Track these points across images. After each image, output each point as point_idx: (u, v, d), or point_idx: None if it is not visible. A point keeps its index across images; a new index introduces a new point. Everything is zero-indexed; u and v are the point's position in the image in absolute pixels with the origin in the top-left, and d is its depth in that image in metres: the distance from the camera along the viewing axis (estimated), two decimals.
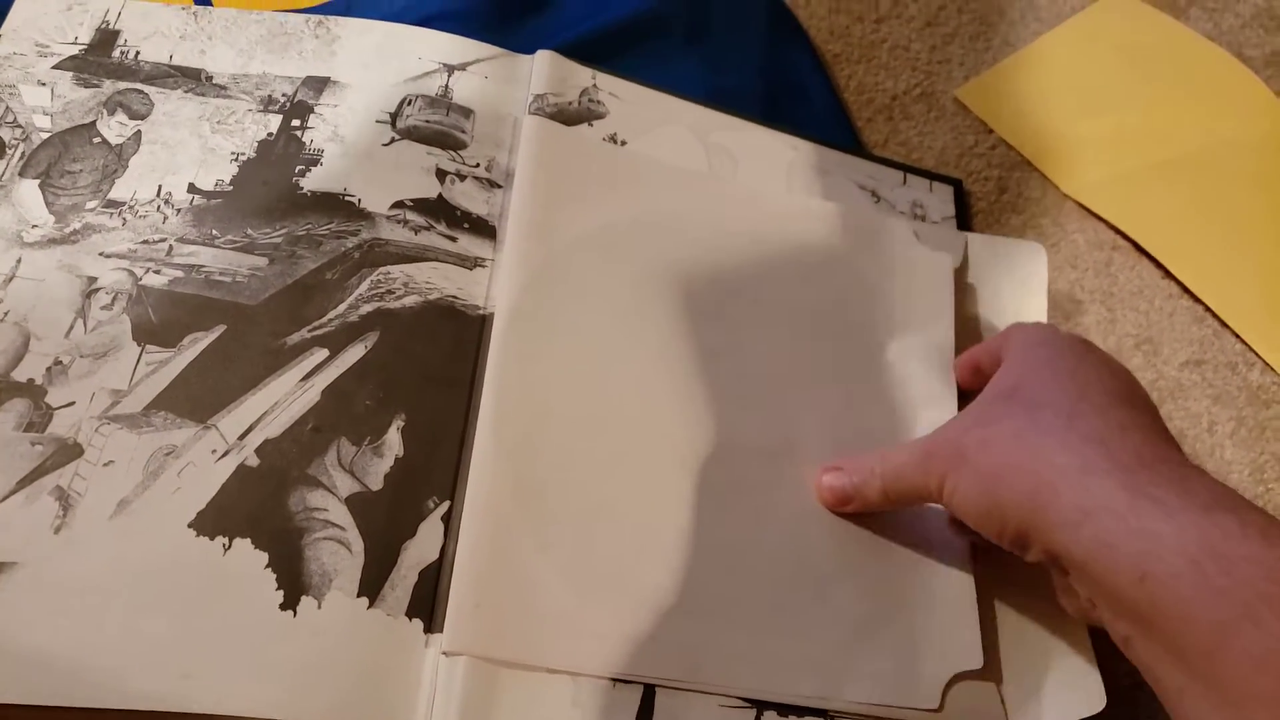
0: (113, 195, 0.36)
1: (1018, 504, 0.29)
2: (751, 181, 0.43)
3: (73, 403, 0.32)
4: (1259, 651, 0.23)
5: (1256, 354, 0.47)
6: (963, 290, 0.43)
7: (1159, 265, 0.49)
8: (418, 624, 0.31)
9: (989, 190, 0.50)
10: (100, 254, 0.35)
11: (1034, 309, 0.43)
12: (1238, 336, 0.47)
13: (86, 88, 0.39)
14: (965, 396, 0.39)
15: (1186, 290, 0.48)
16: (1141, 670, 0.27)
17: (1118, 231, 0.49)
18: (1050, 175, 0.51)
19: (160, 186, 0.37)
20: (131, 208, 0.36)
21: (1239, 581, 0.24)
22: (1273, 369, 0.46)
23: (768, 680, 0.32)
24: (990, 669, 0.34)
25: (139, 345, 0.33)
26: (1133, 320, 0.47)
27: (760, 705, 0.32)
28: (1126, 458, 0.28)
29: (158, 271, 0.35)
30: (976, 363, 0.38)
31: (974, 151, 0.51)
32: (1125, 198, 0.50)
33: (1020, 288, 0.44)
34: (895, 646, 0.34)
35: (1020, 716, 0.34)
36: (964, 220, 0.47)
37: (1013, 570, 0.34)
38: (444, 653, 0.30)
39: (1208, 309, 0.48)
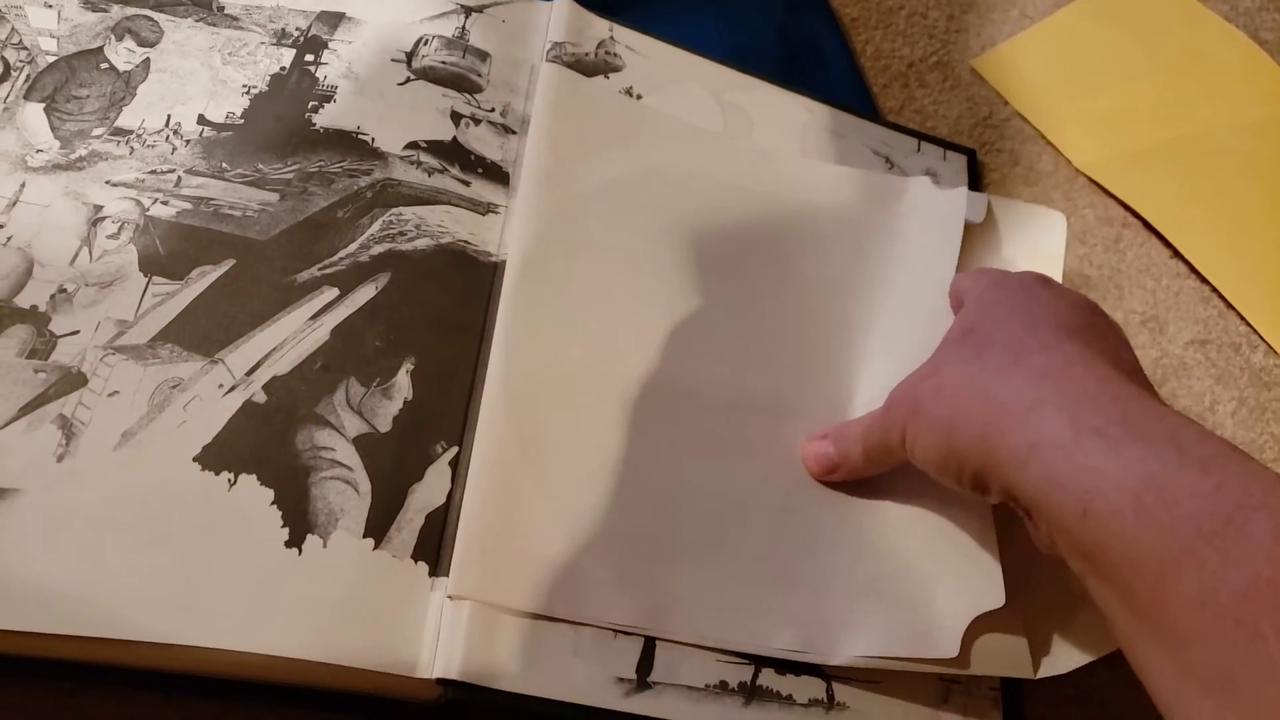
0: (120, 123, 0.36)
1: (970, 447, 0.28)
2: (766, 142, 0.43)
3: (77, 331, 0.32)
4: (1197, 588, 0.23)
5: (1260, 336, 0.47)
6: (982, 249, 0.42)
7: (1168, 244, 0.49)
8: (423, 567, 0.31)
9: (1002, 162, 0.50)
10: (107, 182, 0.34)
11: (1050, 275, 0.43)
12: (1242, 318, 0.47)
13: (94, 12, 0.38)
14: None
15: (1194, 270, 0.48)
16: (1098, 607, 0.27)
17: (1128, 209, 0.49)
18: (1063, 150, 0.51)
19: (169, 116, 0.36)
20: (139, 136, 0.35)
21: (1179, 517, 0.23)
22: (1275, 351, 0.47)
23: (766, 635, 0.32)
24: (1009, 614, 0.33)
25: (146, 276, 0.33)
26: (1139, 298, 0.47)
27: (759, 661, 0.33)
28: (1073, 392, 0.27)
29: (165, 203, 0.34)
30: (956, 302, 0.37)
31: (988, 123, 0.51)
32: (1137, 175, 0.50)
33: (1038, 255, 0.43)
34: (908, 595, 0.33)
35: (1041, 661, 0.33)
36: (976, 190, 0.47)
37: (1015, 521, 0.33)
38: (449, 596, 0.30)
39: (1214, 289, 0.48)
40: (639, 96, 0.41)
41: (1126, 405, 0.27)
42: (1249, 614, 0.22)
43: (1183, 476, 0.24)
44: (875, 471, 0.35)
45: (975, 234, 0.42)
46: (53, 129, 0.35)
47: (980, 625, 0.32)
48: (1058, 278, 0.43)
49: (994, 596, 0.33)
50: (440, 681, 0.29)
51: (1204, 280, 0.48)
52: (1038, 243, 0.43)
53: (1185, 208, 0.50)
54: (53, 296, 0.32)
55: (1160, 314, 0.47)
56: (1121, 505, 0.24)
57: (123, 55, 0.37)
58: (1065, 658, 0.34)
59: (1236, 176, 0.52)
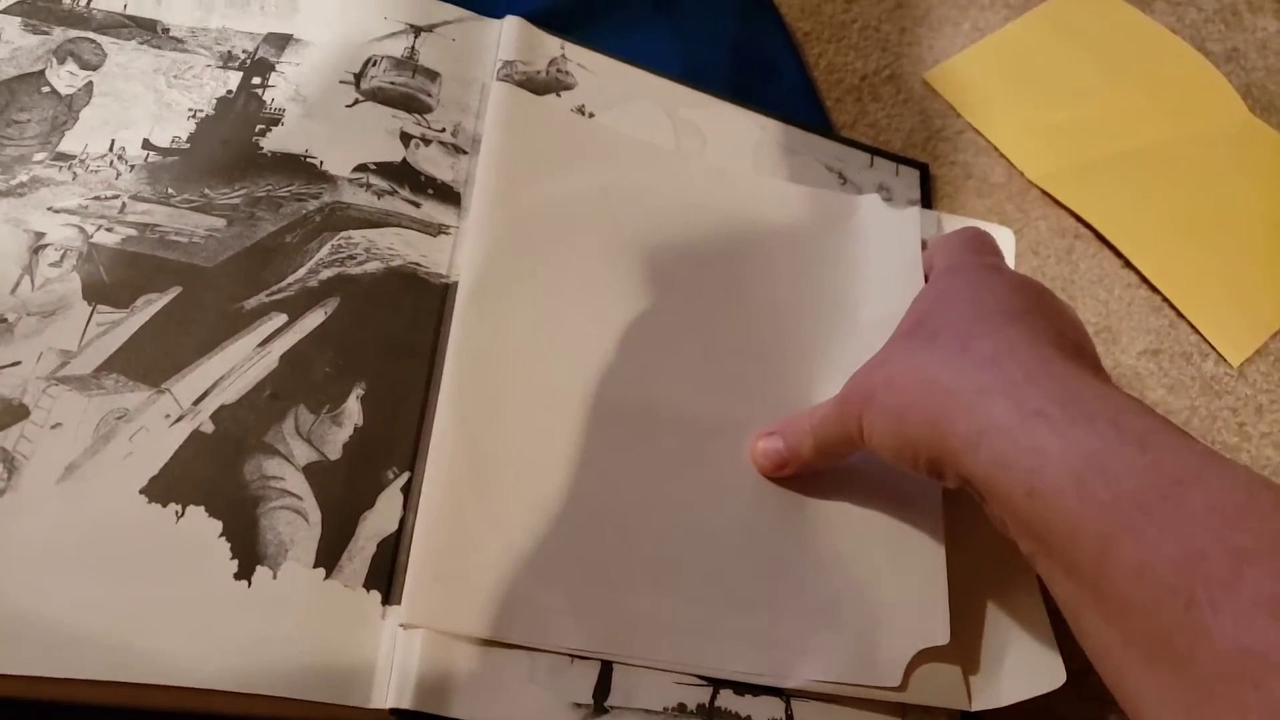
0: (62, 148, 0.35)
1: (923, 436, 0.29)
2: (719, 159, 0.43)
3: (18, 362, 0.31)
4: (1136, 560, 0.23)
5: (1210, 345, 0.48)
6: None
7: (1119, 254, 0.49)
8: (375, 595, 0.30)
9: (955, 175, 0.50)
10: (49, 209, 0.34)
11: None
12: (1193, 327, 0.48)
13: (35, 34, 0.37)
14: None
15: (1145, 280, 0.49)
16: (1047, 587, 0.28)
17: (1080, 220, 0.50)
18: (1016, 162, 0.51)
19: (113, 141, 0.36)
20: (82, 161, 0.35)
21: (1119, 494, 0.24)
22: (1226, 360, 0.47)
23: (722, 658, 0.32)
24: (952, 646, 0.34)
25: (90, 305, 0.32)
26: (1092, 308, 0.48)
27: (716, 683, 0.32)
28: (1017, 375, 0.28)
29: (110, 229, 0.34)
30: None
31: (941, 135, 0.51)
32: (1088, 187, 0.51)
33: None
34: (856, 623, 0.34)
35: (982, 693, 0.34)
36: (929, 204, 0.48)
37: (971, 545, 0.34)
38: (401, 625, 0.30)
39: (1165, 299, 0.49)
40: (591, 114, 0.41)
41: (1068, 384, 0.27)
42: (1184, 583, 0.22)
43: (1122, 453, 0.25)
44: (826, 464, 0.35)
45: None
46: None
47: (922, 656, 0.34)
48: None
49: (940, 634, 0.34)
50: (394, 712, 0.29)
51: (1155, 290, 0.49)
52: None
53: (1136, 218, 0.51)
54: None
55: (1113, 324, 0.48)
56: (1064, 484, 0.25)
57: (64, 79, 0.37)
58: (1006, 691, 0.35)
59: (1185, 187, 0.52)
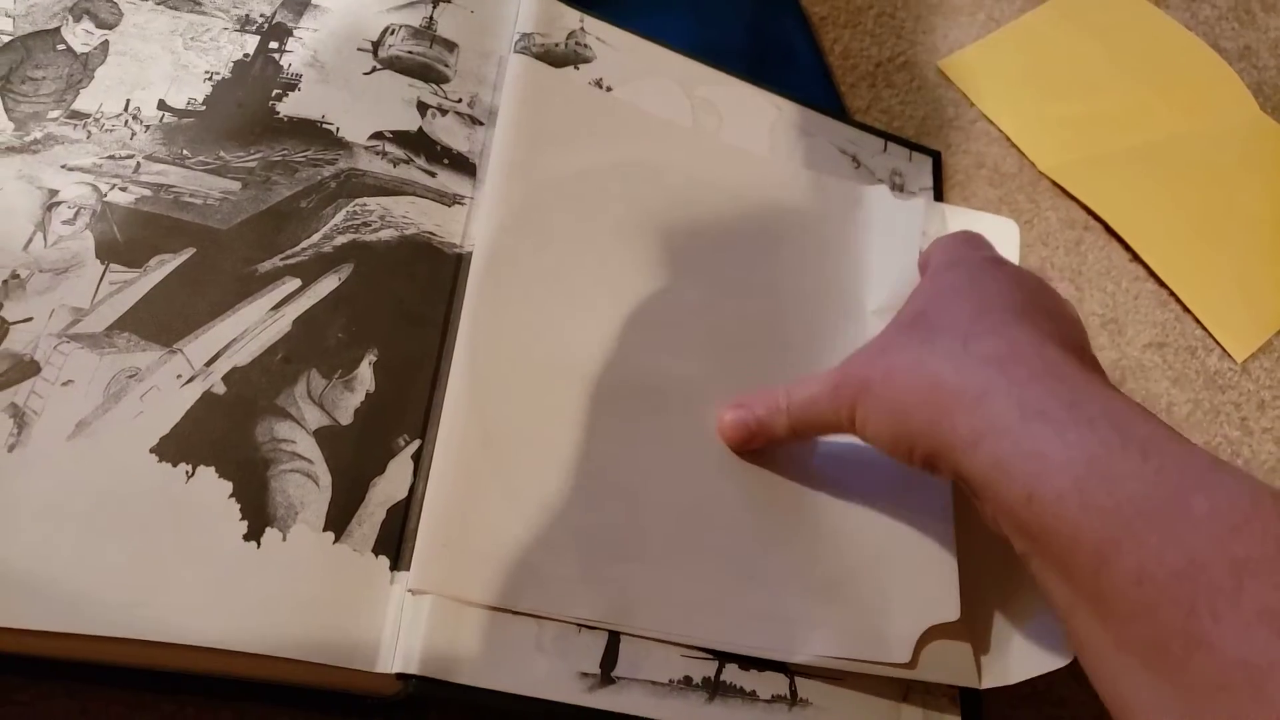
0: (77, 106, 0.35)
1: (921, 432, 0.29)
2: (734, 138, 0.43)
3: (30, 318, 0.31)
4: (1137, 567, 0.23)
5: (1215, 340, 0.48)
6: None
7: (1127, 248, 0.49)
8: (384, 561, 0.30)
9: (967, 164, 0.50)
10: (63, 166, 0.33)
11: None
12: (1198, 322, 0.48)
13: None
14: None
15: (1152, 273, 0.49)
16: (1039, 586, 0.28)
17: (1089, 212, 0.50)
18: (1027, 153, 0.51)
19: (128, 101, 0.35)
20: (97, 120, 0.35)
21: (1120, 500, 0.24)
22: (1229, 355, 0.48)
23: (729, 632, 0.33)
24: (960, 624, 0.34)
25: (102, 263, 0.32)
26: (1099, 300, 0.48)
27: (722, 657, 0.33)
28: (1019, 376, 0.27)
29: (124, 189, 0.34)
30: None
31: (954, 124, 0.51)
32: (1098, 179, 0.51)
33: None
34: (867, 599, 0.34)
35: (990, 671, 0.34)
36: (940, 192, 0.48)
37: (975, 525, 0.34)
38: (410, 590, 0.30)
39: (1171, 293, 0.49)
40: (608, 89, 0.41)
41: (1072, 388, 0.27)
42: (1185, 592, 0.22)
43: (1125, 460, 0.25)
44: (794, 442, 0.35)
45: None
46: (6, 111, 0.34)
47: (932, 633, 0.34)
48: None
49: (949, 609, 0.34)
50: (400, 676, 0.29)
51: (1162, 284, 0.49)
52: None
53: (1145, 212, 0.51)
54: (5, 282, 0.31)
55: (1119, 316, 0.48)
56: (1064, 489, 0.25)
57: (80, 37, 0.36)
58: (1013, 669, 0.35)
59: (1195, 183, 0.53)
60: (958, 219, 0.45)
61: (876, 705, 0.34)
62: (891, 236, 0.42)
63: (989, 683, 0.34)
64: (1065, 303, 0.32)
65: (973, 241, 0.36)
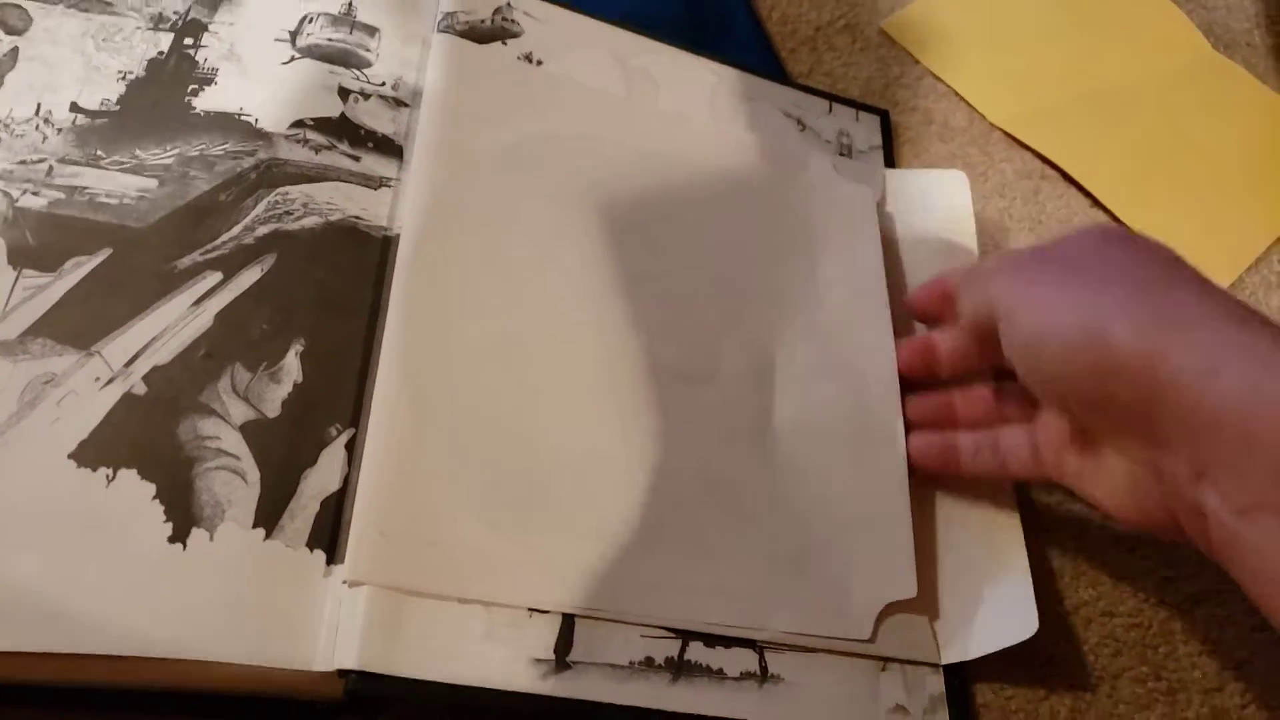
0: None
1: (1133, 347, 0.25)
2: (673, 107, 0.42)
3: None
4: None
5: None
6: (885, 223, 0.42)
7: (1087, 194, 0.48)
8: (319, 555, 0.29)
9: (916, 120, 0.49)
10: None
11: (962, 235, 0.43)
12: None
13: None
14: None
15: (1115, 218, 0.48)
16: (1246, 555, 0.24)
17: (1045, 161, 0.49)
18: (977, 106, 0.50)
19: (39, 105, 0.34)
20: (7, 126, 0.34)
21: None
22: None
23: (690, 609, 0.31)
24: (923, 597, 0.34)
25: (15, 269, 0.31)
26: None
27: (686, 635, 0.31)
28: (1239, 310, 0.25)
29: (36, 193, 0.33)
30: (948, 291, 0.34)
31: (900, 82, 0.50)
32: (1052, 128, 0.50)
33: (946, 216, 0.43)
34: (826, 575, 0.33)
35: (951, 645, 0.34)
36: (890, 150, 0.47)
37: (944, 495, 0.33)
38: (345, 582, 0.28)
39: None
40: (539, 63, 0.40)
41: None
42: None
43: None
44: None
45: (880, 212, 0.42)
46: None
47: (892, 609, 0.33)
48: (970, 236, 0.43)
49: (907, 587, 0.33)
50: (341, 673, 0.27)
51: (1126, 228, 0.48)
52: (946, 205, 0.43)
53: (1103, 158, 0.50)
54: None
55: None
56: None
57: None
58: (974, 644, 0.34)
59: (1153, 125, 0.52)
60: (903, 181, 0.44)
61: (854, 676, 0.33)
62: (841, 217, 0.41)
63: (949, 658, 0.34)
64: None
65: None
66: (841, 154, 0.44)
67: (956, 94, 0.50)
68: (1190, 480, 0.26)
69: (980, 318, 0.31)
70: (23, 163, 0.33)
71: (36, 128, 0.34)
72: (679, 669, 0.31)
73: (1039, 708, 0.36)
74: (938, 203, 0.43)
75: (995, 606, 0.34)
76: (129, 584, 0.27)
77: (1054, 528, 0.39)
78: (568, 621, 0.30)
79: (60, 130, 0.34)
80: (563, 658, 0.30)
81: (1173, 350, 0.25)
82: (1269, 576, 0.24)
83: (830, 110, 0.46)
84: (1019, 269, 0.30)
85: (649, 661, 0.31)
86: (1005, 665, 0.36)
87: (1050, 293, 0.28)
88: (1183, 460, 0.26)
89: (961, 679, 0.35)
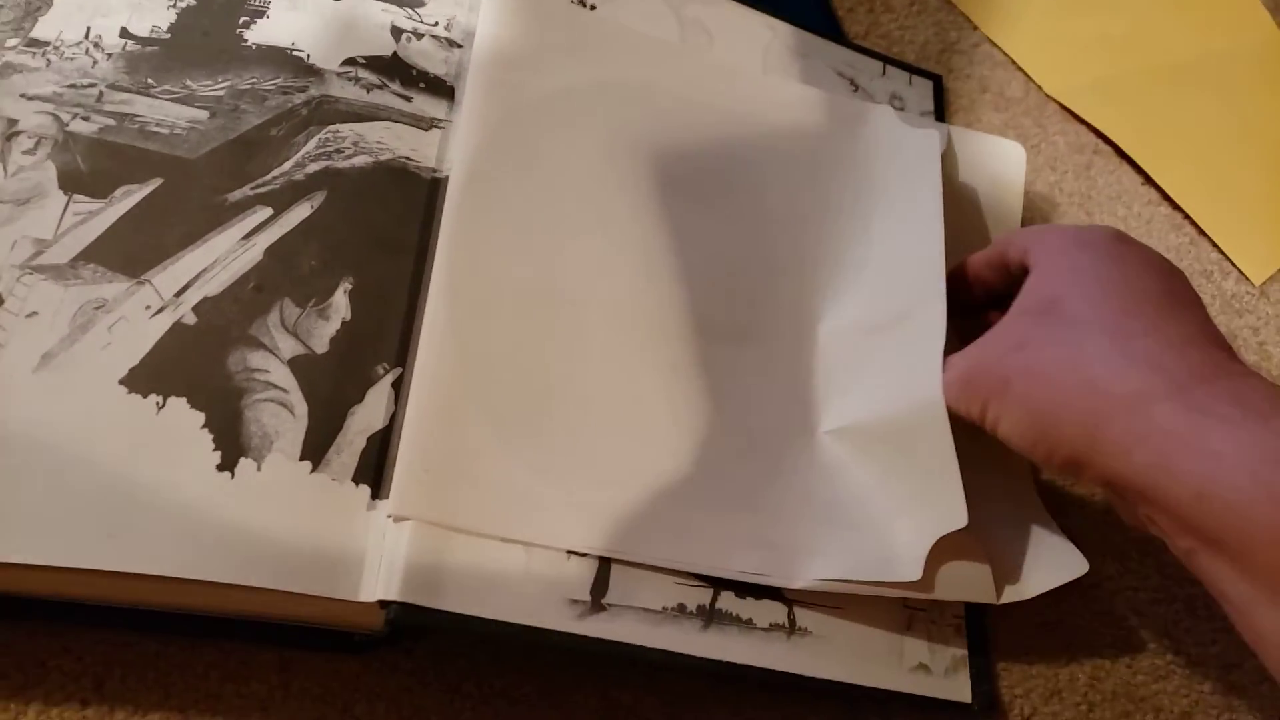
0: (35, 33, 0.33)
1: (1070, 436, 0.28)
2: (726, 59, 0.41)
3: None
4: None
5: (1232, 262, 0.46)
6: (943, 181, 0.41)
7: (1139, 171, 0.48)
8: (364, 490, 0.29)
9: (970, 88, 0.48)
10: (21, 95, 0.32)
11: (1009, 207, 0.42)
12: (1214, 244, 0.46)
13: None
14: (962, 312, 0.37)
15: (1166, 197, 0.47)
16: (1204, 582, 0.27)
17: (1100, 135, 0.48)
18: (1034, 75, 0.49)
19: (89, 28, 0.34)
20: (56, 49, 0.33)
21: None
22: (1247, 278, 0.46)
23: (725, 558, 0.31)
24: (972, 538, 0.32)
25: (65, 194, 0.31)
26: (1111, 224, 0.46)
27: (717, 584, 0.32)
28: (1182, 376, 0.27)
29: (86, 118, 0.32)
30: (1003, 259, 0.35)
31: (956, 48, 0.50)
32: (1109, 102, 0.49)
33: (996, 185, 0.43)
34: (869, 521, 0.33)
35: (1005, 587, 0.33)
36: (942, 117, 0.46)
37: (977, 442, 0.32)
38: (390, 516, 0.29)
39: (1186, 216, 0.47)
40: (592, 7, 0.39)
41: (1233, 384, 0.27)
42: None
43: None
44: None
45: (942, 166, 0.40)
46: None
47: (943, 552, 0.31)
48: (1017, 208, 0.42)
49: (956, 518, 0.31)
50: (382, 604, 0.28)
51: (1176, 207, 0.47)
52: (997, 173, 0.42)
53: (1157, 135, 0.49)
54: None
55: None
56: (1240, 484, 0.25)
57: None
58: (1029, 583, 0.33)
59: (1210, 104, 0.50)
60: (961, 140, 0.43)
61: (878, 635, 0.33)
62: (907, 168, 0.39)
63: (1007, 598, 0.33)
64: (1186, 279, 0.31)
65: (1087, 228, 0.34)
66: None
67: (1013, 62, 0.49)
68: (1146, 521, 0.29)
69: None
70: (72, 86, 0.33)
71: (86, 51, 0.34)
72: (710, 617, 0.31)
73: (1059, 673, 0.36)
74: (990, 168, 0.43)
75: (1039, 550, 0.34)
76: (178, 509, 0.27)
77: (1078, 504, 0.39)
78: (604, 565, 0.30)
79: (110, 55, 0.34)
80: (598, 599, 0.30)
81: (1097, 430, 0.28)
82: (1216, 599, 0.27)
83: (884, 72, 0.45)
84: (980, 375, 0.31)
85: (681, 608, 0.31)
86: (1030, 633, 0.36)
87: (1003, 402, 0.30)
88: (1137, 506, 0.28)
89: (983, 641, 0.35)
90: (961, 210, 0.42)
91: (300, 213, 0.33)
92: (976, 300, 0.36)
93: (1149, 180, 0.47)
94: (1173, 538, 0.28)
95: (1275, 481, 0.24)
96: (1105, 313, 0.29)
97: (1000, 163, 0.43)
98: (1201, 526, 0.26)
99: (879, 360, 0.35)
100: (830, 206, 0.39)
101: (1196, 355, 0.28)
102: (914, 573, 0.31)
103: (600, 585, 0.30)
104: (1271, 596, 0.25)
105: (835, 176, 0.40)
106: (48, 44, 0.33)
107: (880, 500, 0.33)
